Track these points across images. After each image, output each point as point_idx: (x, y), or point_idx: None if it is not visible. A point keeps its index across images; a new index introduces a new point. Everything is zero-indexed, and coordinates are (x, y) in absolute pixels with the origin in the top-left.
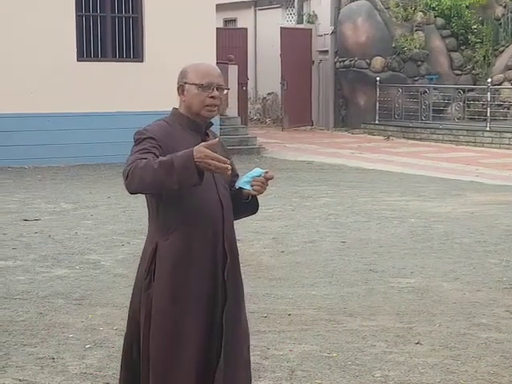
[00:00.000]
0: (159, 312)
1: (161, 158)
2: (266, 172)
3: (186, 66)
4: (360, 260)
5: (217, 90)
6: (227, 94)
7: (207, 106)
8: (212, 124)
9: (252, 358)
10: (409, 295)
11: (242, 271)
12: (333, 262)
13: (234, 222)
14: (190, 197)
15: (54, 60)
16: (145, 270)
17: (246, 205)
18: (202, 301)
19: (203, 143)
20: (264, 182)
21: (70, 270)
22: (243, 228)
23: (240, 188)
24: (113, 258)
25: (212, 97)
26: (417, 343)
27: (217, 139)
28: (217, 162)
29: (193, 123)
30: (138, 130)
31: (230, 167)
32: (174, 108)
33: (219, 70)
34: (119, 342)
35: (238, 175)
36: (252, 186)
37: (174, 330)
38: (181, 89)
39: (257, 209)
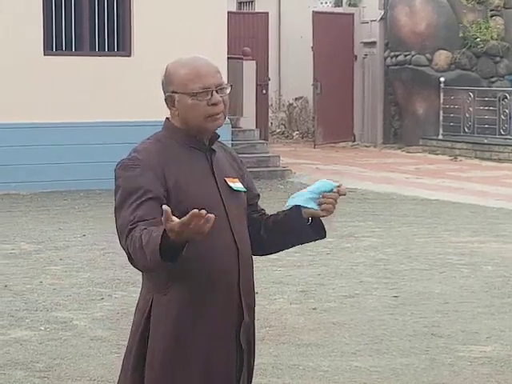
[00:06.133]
0: None
1: (145, 231)
2: (339, 186)
3: (169, 66)
4: (418, 321)
5: (217, 92)
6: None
7: (209, 116)
8: (218, 136)
9: None
10: (484, 368)
11: (259, 335)
12: (382, 324)
13: (287, 250)
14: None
15: (14, 55)
16: (135, 337)
17: (310, 229)
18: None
19: (163, 219)
20: (336, 199)
21: (32, 332)
22: (262, 277)
23: (298, 206)
24: (89, 315)
25: (213, 104)
26: None
27: (165, 208)
28: (194, 224)
29: (193, 139)
30: (121, 162)
31: (210, 217)
32: (167, 119)
33: (213, 64)
34: None
35: (258, 195)
36: (320, 204)
37: None
38: (170, 100)
39: (324, 234)
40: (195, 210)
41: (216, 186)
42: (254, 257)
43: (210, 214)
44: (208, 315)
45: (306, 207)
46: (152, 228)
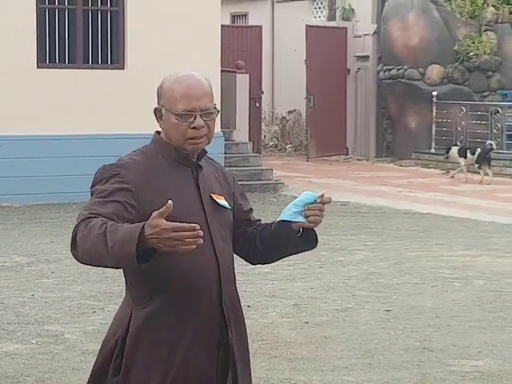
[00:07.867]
0: None
1: (111, 222)
2: (322, 195)
3: (165, 78)
4: (410, 335)
5: (201, 116)
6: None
7: (189, 139)
8: (206, 153)
9: None
10: (475, 383)
11: (251, 349)
12: (374, 338)
13: (278, 262)
14: (174, 254)
15: (7, 67)
16: (111, 347)
17: (300, 240)
18: None
19: (155, 212)
20: (321, 209)
21: (23, 346)
22: (254, 290)
23: (287, 221)
24: (80, 329)
25: (194, 127)
26: None
27: (170, 203)
28: (183, 233)
29: (180, 155)
30: (102, 166)
31: (201, 235)
32: (157, 132)
33: (205, 86)
34: None
35: (251, 209)
36: (306, 216)
37: None
38: (158, 113)
39: (316, 242)
40: (194, 224)
41: (200, 202)
42: (246, 270)
43: (200, 239)
44: (188, 330)
45: (294, 222)
46: (120, 224)
